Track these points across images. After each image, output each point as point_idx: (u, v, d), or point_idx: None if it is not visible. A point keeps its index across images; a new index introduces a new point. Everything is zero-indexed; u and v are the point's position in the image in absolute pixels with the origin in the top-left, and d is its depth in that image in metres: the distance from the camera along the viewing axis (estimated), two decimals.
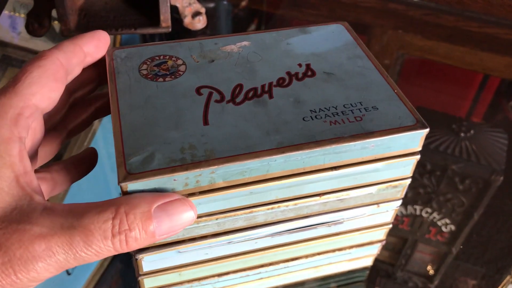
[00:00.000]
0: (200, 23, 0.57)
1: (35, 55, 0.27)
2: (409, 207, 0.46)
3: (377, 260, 0.40)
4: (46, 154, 0.32)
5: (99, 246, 0.23)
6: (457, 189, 0.47)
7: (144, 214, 0.23)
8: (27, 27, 0.55)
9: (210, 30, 0.63)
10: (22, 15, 0.68)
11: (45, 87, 0.26)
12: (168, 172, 0.24)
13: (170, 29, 0.54)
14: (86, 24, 0.55)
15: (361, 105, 0.29)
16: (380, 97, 0.30)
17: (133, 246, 0.23)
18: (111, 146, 0.56)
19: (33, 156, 0.28)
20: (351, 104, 0.29)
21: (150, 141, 0.26)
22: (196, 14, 0.57)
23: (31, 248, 0.22)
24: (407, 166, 0.30)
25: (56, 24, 0.65)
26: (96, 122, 0.57)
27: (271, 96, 0.29)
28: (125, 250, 0.23)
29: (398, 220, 0.45)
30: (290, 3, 0.73)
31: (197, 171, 0.25)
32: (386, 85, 0.31)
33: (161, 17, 0.54)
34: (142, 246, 0.24)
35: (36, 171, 0.30)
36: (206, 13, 0.59)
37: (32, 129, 0.26)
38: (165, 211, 0.24)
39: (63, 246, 0.22)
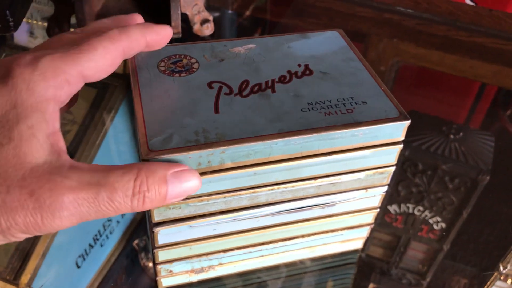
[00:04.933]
0: (208, 29, 0.61)
1: (106, 32, 0.29)
2: (403, 206, 0.47)
3: (371, 257, 0.43)
4: None
5: (120, 202, 0.26)
6: (447, 188, 0.49)
7: (161, 179, 0.27)
8: (48, 31, 0.59)
9: (217, 37, 0.67)
10: (40, 23, 0.73)
11: (99, 68, 0.28)
12: (185, 150, 0.28)
13: (180, 35, 0.58)
14: None
15: (352, 99, 0.33)
16: (369, 94, 0.34)
17: (148, 206, 0.27)
18: (122, 145, 0.59)
19: None
20: (343, 98, 0.33)
21: (168, 125, 0.30)
22: (204, 21, 0.61)
23: (60, 198, 0.24)
24: (392, 154, 0.34)
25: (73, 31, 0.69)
26: (107, 122, 0.61)
27: (273, 91, 0.33)
28: (140, 208, 0.27)
29: (391, 218, 0.46)
30: (292, 12, 0.77)
31: (209, 151, 0.29)
32: (375, 84, 0.35)
33: (172, 24, 0.58)
34: (154, 207, 0.27)
35: None
36: (213, 21, 0.63)
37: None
38: (177, 178, 0.27)
39: (88, 199, 0.25)
